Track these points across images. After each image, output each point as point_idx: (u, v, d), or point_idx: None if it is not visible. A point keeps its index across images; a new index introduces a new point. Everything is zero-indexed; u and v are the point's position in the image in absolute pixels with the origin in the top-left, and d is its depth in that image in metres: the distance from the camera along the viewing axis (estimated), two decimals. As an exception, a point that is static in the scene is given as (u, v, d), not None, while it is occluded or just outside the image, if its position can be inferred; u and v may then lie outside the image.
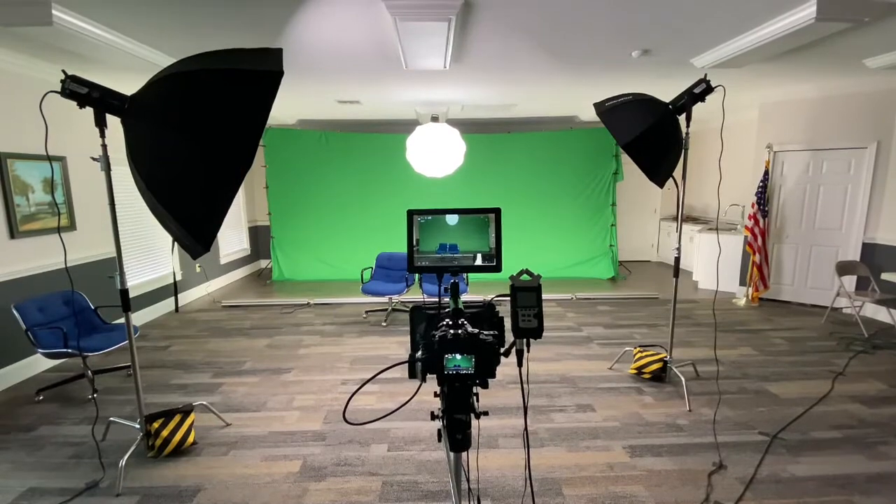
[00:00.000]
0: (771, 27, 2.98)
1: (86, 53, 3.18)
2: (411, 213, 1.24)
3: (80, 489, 2.26)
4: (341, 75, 4.26)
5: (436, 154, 5.44)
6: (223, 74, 1.81)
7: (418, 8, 2.62)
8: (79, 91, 2.00)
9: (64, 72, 2.01)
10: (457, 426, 1.04)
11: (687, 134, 3.04)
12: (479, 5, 2.67)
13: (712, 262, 6.19)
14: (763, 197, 5.36)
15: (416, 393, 1.18)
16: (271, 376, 3.57)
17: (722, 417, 2.88)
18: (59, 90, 1.99)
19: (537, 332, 1.04)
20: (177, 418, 2.57)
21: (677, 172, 3.04)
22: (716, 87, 2.85)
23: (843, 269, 4.72)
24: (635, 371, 3.48)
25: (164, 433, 2.51)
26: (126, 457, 2.35)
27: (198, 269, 6.07)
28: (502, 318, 1.21)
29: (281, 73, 1.81)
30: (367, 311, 5.33)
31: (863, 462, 2.42)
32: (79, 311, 3.53)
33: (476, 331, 1.01)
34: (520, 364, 1.06)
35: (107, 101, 2.02)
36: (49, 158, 3.47)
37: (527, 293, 1.04)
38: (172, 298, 5.48)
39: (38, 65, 3.69)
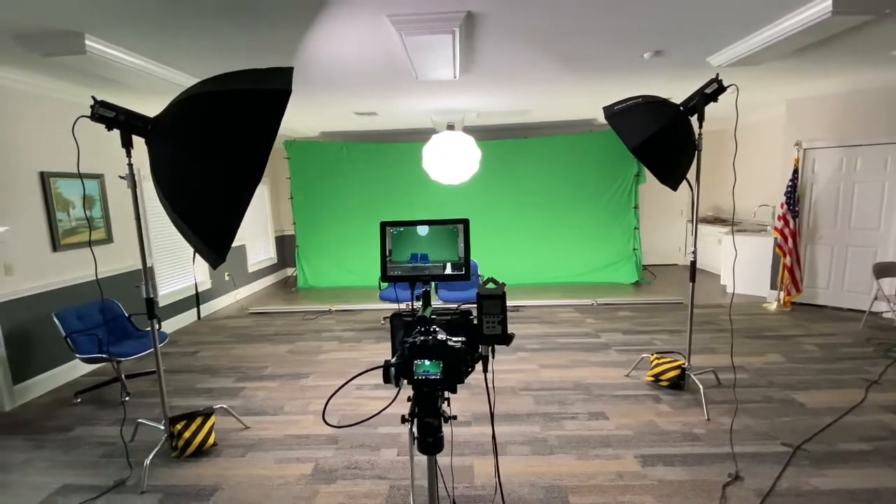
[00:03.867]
0: (786, 23, 2.89)
1: (116, 78, 3.41)
2: (384, 225, 1.29)
3: (108, 486, 2.41)
4: (356, 89, 4.39)
5: (451, 162, 5.50)
6: (233, 95, 1.91)
7: (422, 22, 2.69)
8: (106, 115, 2.16)
9: (94, 98, 2.18)
10: (427, 430, 1.08)
11: (700, 135, 2.97)
12: (482, 15, 2.72)
13: (740, 265, 5.96)
14: (793, 196, 5.14)
15: (394, 399, 1.21)
16: (290, 381, 3.69)
17: (743, 427, 2.78)
18: (88, 115, 2.16)
19: (503, 339, 1.06)
20: (198, 421, 2.70)
21: (691, 175, 2.97)
22: (728, 86, 2.78)
23: (882, 270, 4.46)
24: (652, 378, 3.40)
25: (186, 434, 2.64)
26: (151, 456, 2.49)
27: (226, 278, 6.33)
28: (475, 325, 1.23)
29: (288, 92, 1.89)
30: (384, 318, 5.41)
31: (892, 476, 2.28)
32: (113, 319, 3.76)
33: (444, 337, 1.04)
34: (485, 370, 1.08)
35: (132, 123, 2.17)
36: (81, 176, 3.75)
37: (491, 301, 1.07)
38: (202, 306, 5.73)
39: (75, 90, 3.98)
